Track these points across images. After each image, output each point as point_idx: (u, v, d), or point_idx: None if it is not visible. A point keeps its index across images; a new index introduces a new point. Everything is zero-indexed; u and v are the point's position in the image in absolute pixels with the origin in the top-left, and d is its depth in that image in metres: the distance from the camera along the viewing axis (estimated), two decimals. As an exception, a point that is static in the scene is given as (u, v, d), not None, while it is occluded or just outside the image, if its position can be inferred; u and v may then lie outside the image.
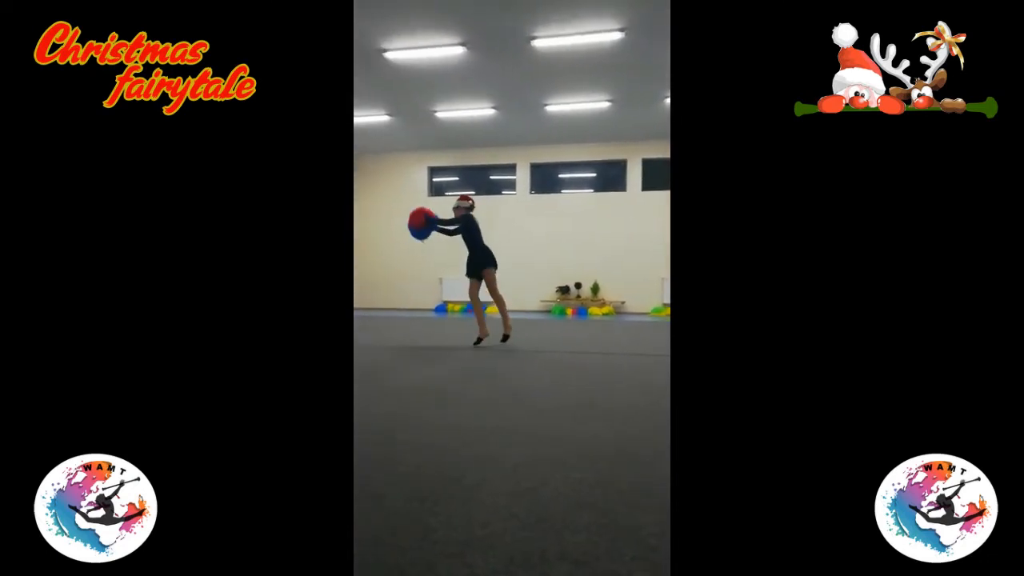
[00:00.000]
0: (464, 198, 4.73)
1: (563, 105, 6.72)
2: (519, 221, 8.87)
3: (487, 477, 1.36)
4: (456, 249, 8.79)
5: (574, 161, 8.85)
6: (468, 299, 4.73)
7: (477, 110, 7.02)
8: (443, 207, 9.01)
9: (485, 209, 8.90)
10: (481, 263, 4.46)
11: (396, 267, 9.27)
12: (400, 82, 6.02)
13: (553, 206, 8.97)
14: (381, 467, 1.46)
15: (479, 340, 4.44)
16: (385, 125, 7.74)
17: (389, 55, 5.30)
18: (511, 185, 9.15)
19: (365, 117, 7.42)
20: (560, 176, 9.24)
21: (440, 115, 7.12)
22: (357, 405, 2.24)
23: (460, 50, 5.07)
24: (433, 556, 0.95)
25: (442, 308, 8.78)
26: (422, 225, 4.39)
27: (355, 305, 9.58)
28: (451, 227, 4.55)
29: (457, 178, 9.44)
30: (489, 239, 8.81)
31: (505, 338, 4.42)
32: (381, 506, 1.19)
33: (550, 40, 4.95)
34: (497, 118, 7.28)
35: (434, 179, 9.42)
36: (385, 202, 9.42)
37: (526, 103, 6.66)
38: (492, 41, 4.96)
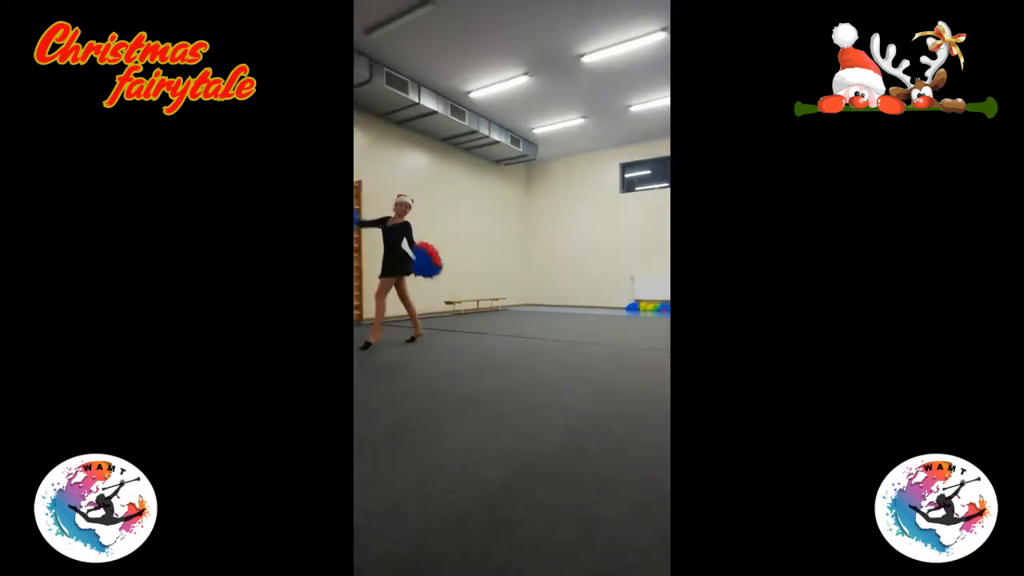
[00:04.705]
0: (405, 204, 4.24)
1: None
2: (718, 211, 8.65)
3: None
4: (647, 247, 8.71)
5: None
6: (661, 298, 4.26)
7: (674, 98, 6.97)
8: (632, 203, 8.84)
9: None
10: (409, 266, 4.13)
11: (588, 266, 9.16)
12: (596, 83, 6.05)
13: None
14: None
15: (367, 344, 3.98)
16: (578, 128, 7.72)
17: (586, 59, 5.35)
18: (707, 173, 8.91)
19: (562, 123, 7.49)
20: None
21: (634, 109, 6.99)
22: (556, 397, 2.29)
23: (660, 36, 4.93)
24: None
25: (634, 307, 8.49)
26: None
27: (546, 302, 9.45)
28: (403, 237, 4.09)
29: (649, 171, 9.05)
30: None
31: (412, 339, 4.31)
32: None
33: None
34: (695, 102, 7.22)
35: (625, 175, 9.15)
36: (577, 202, 9.37)
37: (729, 81, 6.59)
38: (695, 19, 4.92)
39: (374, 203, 6.14)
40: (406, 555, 1.00)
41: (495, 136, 7.41)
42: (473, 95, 6.25)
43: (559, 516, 1.15)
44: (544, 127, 7.63)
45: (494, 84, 5.95)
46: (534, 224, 9.87)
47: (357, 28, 4.80)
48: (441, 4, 4.26)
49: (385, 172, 6.63)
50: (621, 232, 8.89)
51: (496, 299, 8.61)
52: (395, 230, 4.07)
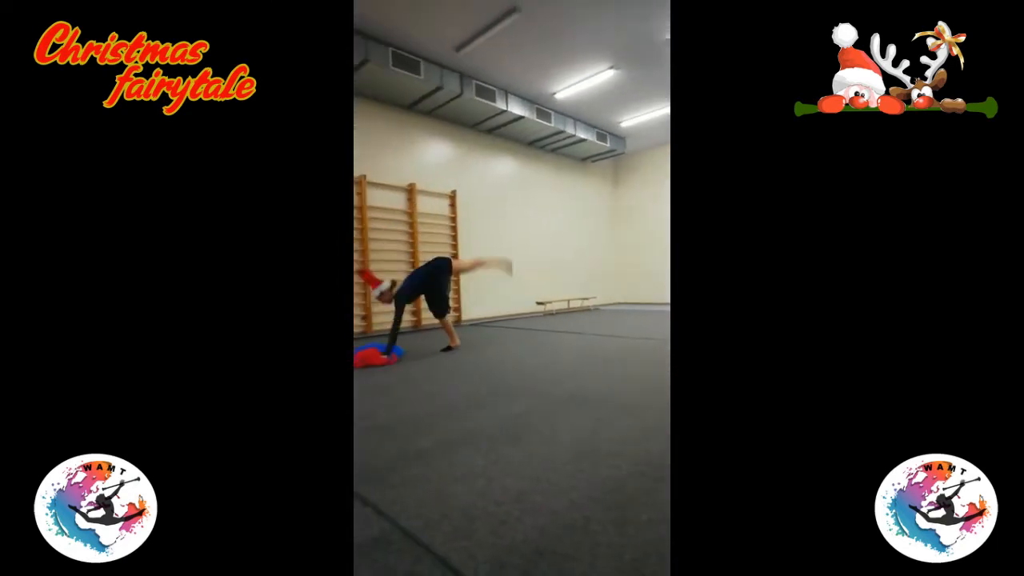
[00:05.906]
0: None
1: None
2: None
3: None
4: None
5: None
6: None
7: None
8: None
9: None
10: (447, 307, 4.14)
11: (658, 260, 8.92)
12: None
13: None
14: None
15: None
16: (665, 117, 7.48)
17: (676, 42, 5.31)
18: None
19: (651, 113, 7.29)
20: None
21: (729, 89, 6.96)
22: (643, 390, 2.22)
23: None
24: None
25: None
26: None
27: (638, 300, 9.16)
28: (415, 287, 3.96)
29: (733, 157, 8.96)
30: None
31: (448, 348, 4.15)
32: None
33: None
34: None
35: (709, 161, 9.03)
36: (668, 195, 8.86)
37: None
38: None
39: (469, 210, 6.61)
40: (539, 545, 1.03)
41: (581, 134, 7.41)
42: (559, 96, 6.26)
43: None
44: (632, 119, 7.51)
45: (579, 82, 5.91)
46: (623, 221, 9.75)
47: (447, 47, 4.88)
48: (526, 10, 4.26)
49: (476, 180, 6.81)
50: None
51: (586, 299, 8.57)
52: (424, 274, 3.95)
